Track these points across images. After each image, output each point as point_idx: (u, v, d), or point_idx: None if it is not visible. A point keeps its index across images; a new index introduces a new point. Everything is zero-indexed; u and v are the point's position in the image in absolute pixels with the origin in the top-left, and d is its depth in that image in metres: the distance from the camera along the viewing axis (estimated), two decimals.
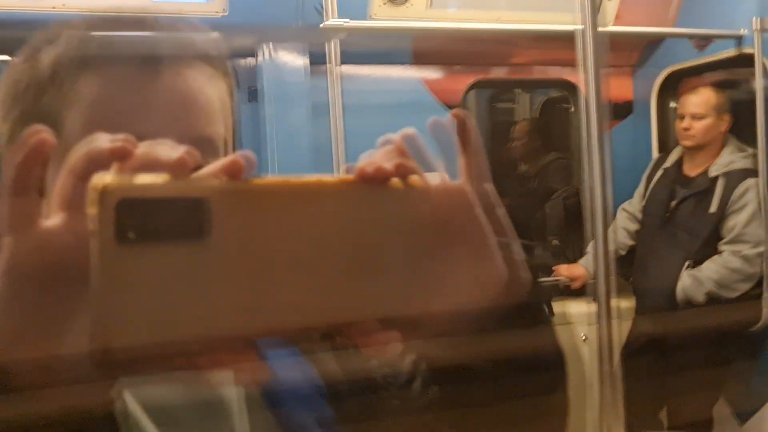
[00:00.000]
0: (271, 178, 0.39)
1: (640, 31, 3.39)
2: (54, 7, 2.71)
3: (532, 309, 0.54)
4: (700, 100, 3.10)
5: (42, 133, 0.36)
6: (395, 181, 0.42)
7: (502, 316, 0.46)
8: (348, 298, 0.39)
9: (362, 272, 0.40)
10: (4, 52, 3.02)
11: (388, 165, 0.41)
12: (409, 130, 0.49)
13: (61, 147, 0.40)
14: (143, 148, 0.37)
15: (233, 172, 0.37)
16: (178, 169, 0.36)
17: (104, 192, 0.34)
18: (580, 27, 1.36)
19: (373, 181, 0.40)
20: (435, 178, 0.46)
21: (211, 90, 0.62)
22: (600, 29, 1.35)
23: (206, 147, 0.58)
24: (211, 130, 0.61)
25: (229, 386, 0.61)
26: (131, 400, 0.52)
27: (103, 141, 0.37)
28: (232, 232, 0.37)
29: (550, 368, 0.57)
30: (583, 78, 1.35)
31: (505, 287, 0.44)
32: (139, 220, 0.35)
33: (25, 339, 0.37)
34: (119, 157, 0.36)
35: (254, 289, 0.37)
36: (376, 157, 0.45)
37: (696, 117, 3.08)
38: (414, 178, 0.43)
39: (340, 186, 0.40)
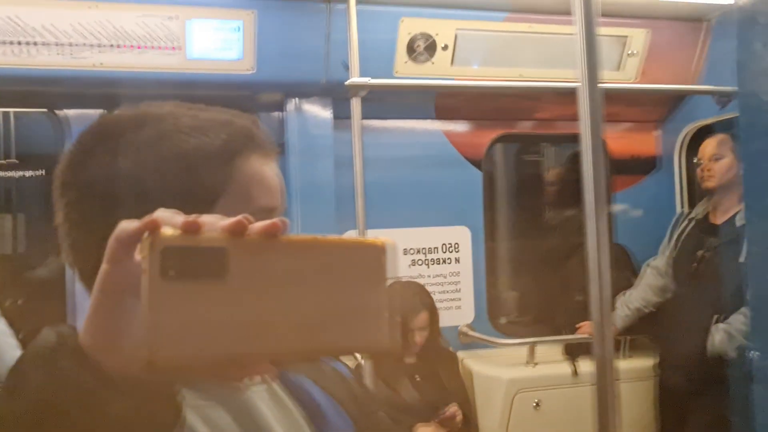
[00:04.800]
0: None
1: (643, 88, 3.43)
2: (94, 66, 2.86)
3: None
4: (716, 142, 3.17)
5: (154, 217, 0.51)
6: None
7: None
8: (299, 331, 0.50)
9: (312, 312, 0.50)
10: (47, 106, 3.20)
11: None
12: None
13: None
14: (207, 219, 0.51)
15: (273, 232, 0.50)
16: (237, 231, 0.50)
17: (153, 241, 0.47)
18: (578, 83, 1.40)
19: None
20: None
21: (278, 172, 0.82)
22: (600, 85, 1.38)
23: (279, 213, 0.77)
24: (283, 201, 0.80)
25: (255, 391, 0.79)
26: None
27: (127, 225, 0.51)
28: (244, 273, 0.48)
29: None
30: (582, 134, 1.38)
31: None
32: (178, 262, 0.47)
33: (110, 338, 0.52)
34: (147, 229, 0.49)
35: (256, 318, 0.49)
36: None
37: (714, 158, 3.14)
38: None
39: (308, 243, 0.51)
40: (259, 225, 0.50)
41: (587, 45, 1.38)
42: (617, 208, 3.68)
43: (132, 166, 0.73)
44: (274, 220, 0.50)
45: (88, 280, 0.74)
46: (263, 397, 0.81)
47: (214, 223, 0.50)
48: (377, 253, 0.51)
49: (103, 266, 0.52)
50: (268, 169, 0.78)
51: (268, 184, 0.77)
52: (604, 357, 1.33)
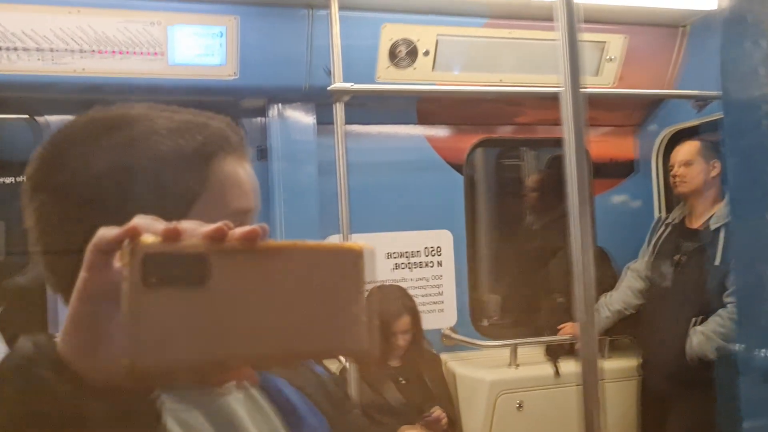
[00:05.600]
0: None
1: (623, 92, 3.49)
2: (75, 72, 2.85)
3: None
4: (687, 148, 3.23)
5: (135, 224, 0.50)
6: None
7: None
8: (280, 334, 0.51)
9: (290, 315, 0.51)
10: (28, 112, 3.18)
11: None
12: None
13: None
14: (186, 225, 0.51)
15: (253, 238, 0.50)
16: (217, 237, 0.50)
17: (133, 249, 0.48)
18: (561, 88, 1.43)
19: None
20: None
21: (252, 173, 0.81)
22: (582, 90, 1.42)
23: (253, 215, 0.78)
24: (257, 202, 0.80)
25: (231, 395, 0.79)
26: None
27: (106, 232, 0.51)
28: (224, 279, 0.49)
29: None
30: (565, 139, 1.41)
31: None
32: (158, 270, 0.47)
33: (90, 347, 0.51)
34: (127, 237, 0.49)
35: (237, 323, 0.49)
36: None
37: (685, 164, 3.20)
38: None
39: (288, 249, 0.51)
40: (239, 231, 0.50)
41: (570, 50, 1.41)
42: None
43: (104, 168, 0.72)
44: (254, 226, 0.50)
45: (61, 287, 0.73)
46: (239, 399, 0.80)
47: (195, 229, 0.50)
48: (355, 257, 0.52)
49: (82, 273, 0.51)
50: (242, 170, 0.78)
51: (243, 186, 0.77)
52: (590, 357, 1.35)
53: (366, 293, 0.52)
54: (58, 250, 0.73)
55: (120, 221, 0.51)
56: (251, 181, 0.79)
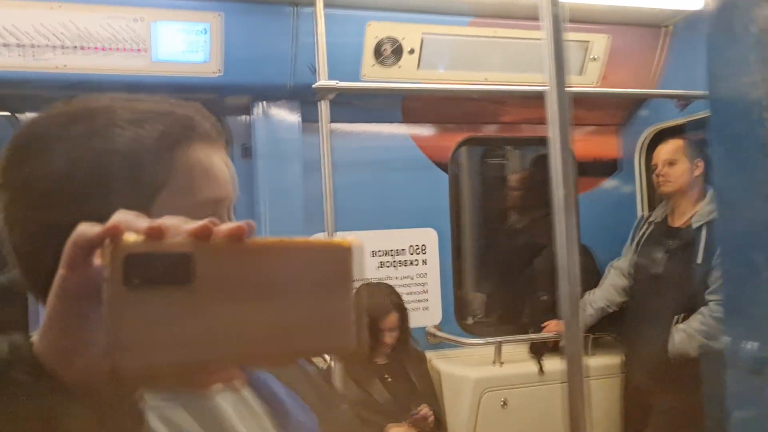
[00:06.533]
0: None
1: (607, 91, 3.52)
2: (57, 68, 2.82)
3: None
4: (670, 147, 3.24)
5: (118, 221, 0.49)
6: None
7: None
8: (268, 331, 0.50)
9: (278, 312, 0.50)
10: (8, 110, 3.14)
11: None
12: None
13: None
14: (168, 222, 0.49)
15: (238, 236, 0.49)
16: (201, 235, 0.48)
17: (115, 248, 0.46)
18: (546, 87, 1.43)
19: None
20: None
21: (227, 161, 0.79)
22: (567, 89, 1.42)
23: (229, 204, 0.77)
24: (233, 191, 0.78)
25: (217, 395, 0.78)
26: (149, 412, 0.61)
27: (86, 229, 0.49)
28: (209, 278, 0.47)
29: None
30: (551, 137, 1.41)
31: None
32: (141, 269, 0.46)
33: (68, 347, 0.50)
34: (108, 235, 0.48)
35: (223, 323, 0.48)
36: None
37: (668, 163, 3.21)
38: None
39: (275, 246, 0.50)
40: (224, 228, 0.48)
41: (555, 49, 1.41)
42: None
43: (65, 164, 0.70)
44: (240, 223, 0.49)
45: (33, 286, 0.72)
46: (225, 396, 0.79)
47: (179, 227, 0.48)
48: (343, 253, 0.51)
49: (60, 271, 0.49)
50: (213, 158, 0.76)
51: (213, 174, 0.75)
52: (575, 353, 1.36)
53: (354, 290, 0.51)
54: (27, 247, 0.71)
55: (84, 217, 0.50)
56: (225, 168, 0.77)
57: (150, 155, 0.72)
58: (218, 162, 0.76)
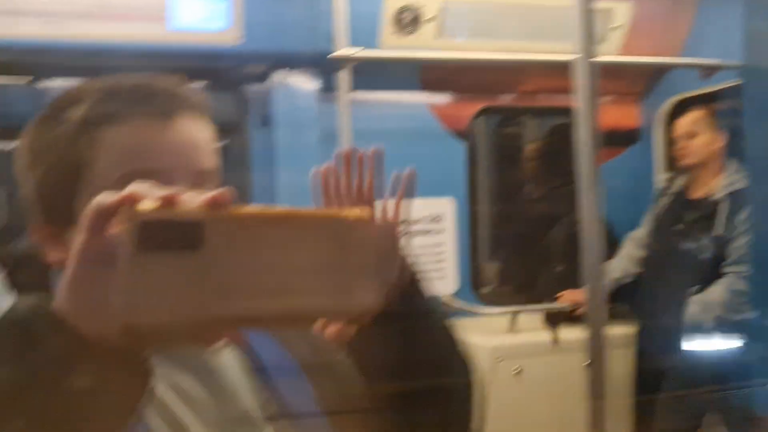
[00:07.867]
0: (248, 208, 0.54)
1: (635, 61, 3.45)
2: (74, 36, 2.80)
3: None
4: (691, 119, 3.19)
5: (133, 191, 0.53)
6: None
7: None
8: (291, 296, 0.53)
9: (300, 277, 0.53)
10: (26, 77, 3.13)
11: None
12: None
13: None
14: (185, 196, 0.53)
15: (221, 202, 0.52)
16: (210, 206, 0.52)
17: (131, 215, 0.51)
18: (575, 56, 1.42)
19: None
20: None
21: (206, 134, 0.80)
22: (594, 59, 1.41)
23: (207, 177, 0.78)
24: (211, 163, 0.80)
25: (224, 357, 0.81)
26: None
27: (104, 197, 0.54)
28: (218, 245, 0.51)
29: (450, 375, 0.82)
30: (578, 107, 1.40)
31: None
32: (155, 235, 0.50)
33: (86, 306, 0.55)
34: (125, 203, 0.52)
35: (231, 284, 0.51)
36: None
37: (689, 135, 3.16)
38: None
39: (284, 216, 0.54)
40: (203, 197, 0.52)
41: (585, 20, 1.40)
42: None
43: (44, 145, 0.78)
44: (218, 191, 0.53)
45: (50, 248, 0.79)
46: (228, 359, 0.82)
47: (192, 196, 0.53)
48: (353, 224, 0.53)
49: (79, 236, 0.54)
50: (159, 130, 0.75)
51: (154, 146, 0.75)
52: (597, 321, 1.37)
53: (362, 259, 0.54)
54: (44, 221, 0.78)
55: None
56: (177, 139, 0.76)
57: (76, 133, 0.75)
58: (169, 133, 0.76)
